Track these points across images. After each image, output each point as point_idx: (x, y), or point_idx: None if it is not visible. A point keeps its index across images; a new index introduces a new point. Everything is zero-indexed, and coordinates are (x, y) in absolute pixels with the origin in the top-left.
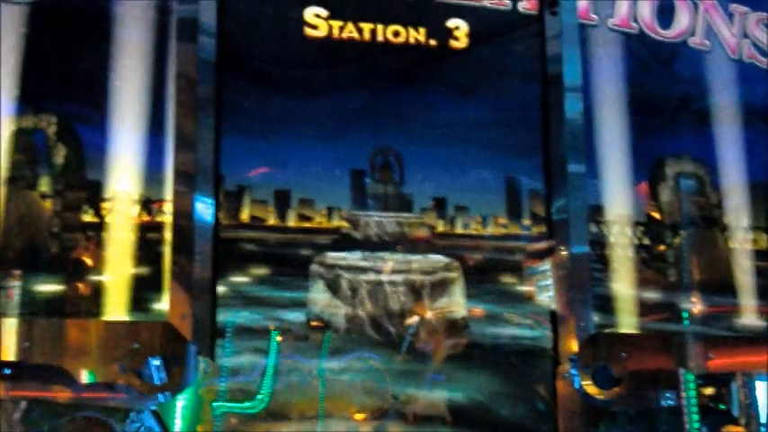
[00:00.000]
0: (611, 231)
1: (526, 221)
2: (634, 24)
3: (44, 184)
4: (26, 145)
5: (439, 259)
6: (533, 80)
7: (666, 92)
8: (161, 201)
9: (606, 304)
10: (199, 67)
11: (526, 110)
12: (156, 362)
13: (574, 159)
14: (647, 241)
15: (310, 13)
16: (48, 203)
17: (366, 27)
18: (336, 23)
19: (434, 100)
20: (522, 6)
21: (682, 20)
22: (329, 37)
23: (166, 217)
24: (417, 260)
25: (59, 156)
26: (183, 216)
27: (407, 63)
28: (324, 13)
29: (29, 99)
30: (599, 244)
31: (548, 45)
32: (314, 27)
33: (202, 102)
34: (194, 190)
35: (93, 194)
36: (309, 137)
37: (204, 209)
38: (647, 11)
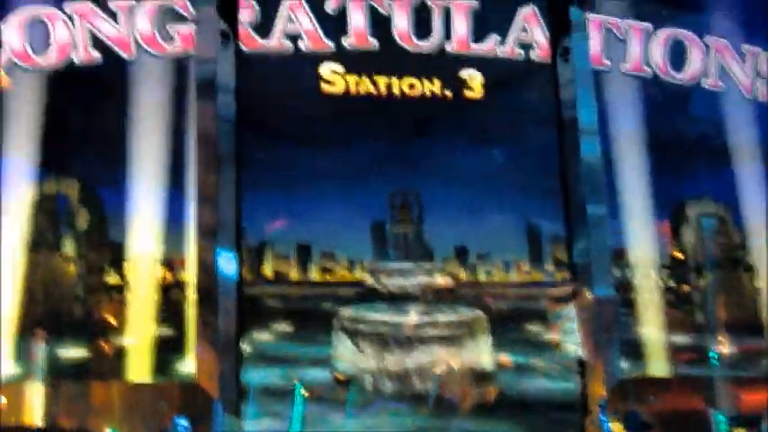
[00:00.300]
0: (636, 274)
1: (549, 267)
2: (647, 68)
3: (67, 248)
4: (49, 210)
5: (463, 309)
6: (549, 125)
7: (683, 133)
8: (182, 258)
9: (633, 348)
10: (218, 124)
11: (543, 154)
12: (183, 422)
13: (593, 201)
14: (672, 283)
15: (327, 69)
16: (71, 267)
17: (381, 81)
18: (352, 78)
19: (451, 149)
20: (534, 55)
21: (694, 62)
22: (346, 91)
23: (188, 275)
24: (441, 311)
25: (82, 219)
26: (207, 272)
27: (424, 114)
28: (340, 68)
29: (51, 164)
30: (624, 287)
31: (562, 91)
32: (330, 83)
33: (222, 158)
34: (217, 245)
35: (116, 256)
36: (329, 189)
37: (227, 264)
38: (659, 54)
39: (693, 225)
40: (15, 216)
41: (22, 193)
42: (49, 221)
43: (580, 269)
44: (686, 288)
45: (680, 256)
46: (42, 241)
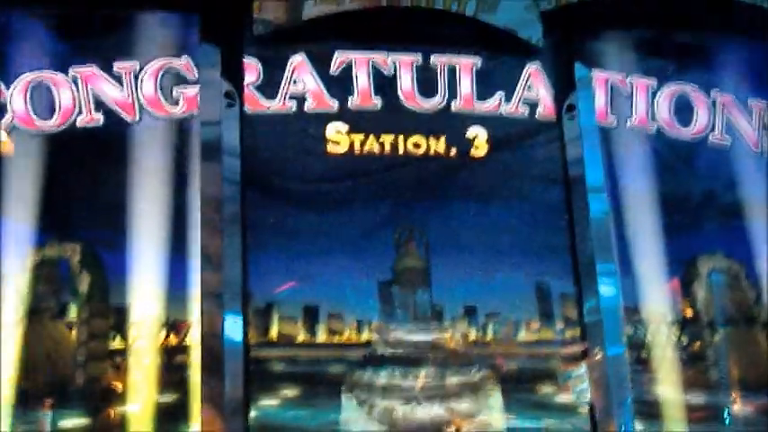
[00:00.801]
0: (647, 332)
1: (559, 325)
2: (653, 123)
3: (69, 314)
4: (50, 275)
5: (473, 371)
6: (556, 183)
7: (692, 188)
8: (186, 322)
9: (646, 407)
10: (223, 186)
11: (551, 212)
12: None
13: (603, 259)
14: (684, 341)
15: (332, 129)
16: (73, 333)
17: (387, 139)
18: (357, 137)
19: (458, 208)
20: (539, 113)
21: (701, 117)
22: (351, 151)
23: (193, 339)
24: (451, 373)
25: (84, 284)
26: (212, 336)
27: (429, 173)
28: (344, 128)
29: (52, 228)
30: (636, 345)
31: (568, 148)
32: (335, 143)
33: (227, 220)
34: (222, 309)
35: (119, 321)
36: (335, 250)
37: (233, 328)
38: (665, 110)
39: (705, 281)
40: (15, 281)
41: (23, 258)
42: (50, 287)
43: (591, 328)
44: (699, 345)
45: (692, 313)
46: (43, 307)
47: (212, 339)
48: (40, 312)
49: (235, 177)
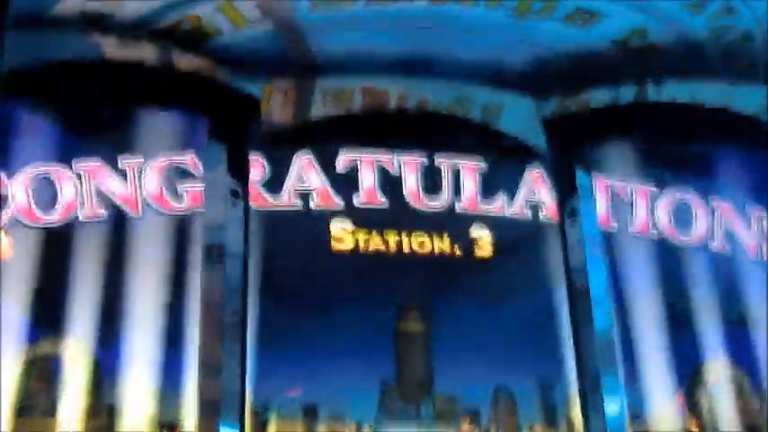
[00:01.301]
0: None
1: (563, 429)
2: (654, 230)
3: (61, 412)
4: (42, 372)
5: None
6: (560, 285)
7: (695, 296)
8: (180, 422)
9: None
10: (224, 291)
11: (555, 314)
12: None
13: (606, 372)
14: None
15: (336, 227)
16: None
17: (391, 237)
18: (362, 235)
19: (462, 307)
20: (542, 215)
21: (700, 224)
22: (355, 248)
23: None
24: None
25: (76, 382)
26: None
27: (434, 272)
28: (349, 226)
29: (46, 323)
30: None
31: (570, 254)
32: (340, 240)
33: (228, 328)
34: (219, 419)
35: (111, 420)
36: (337, 349)
37: None
38: (664, 217)
39: (709, 391)
40: (6, 378)
41: (14, 354)
42: (42, 384)
43: None
44: None
45: (697, 424)
46: (35, 404)
47: None
48: (30, 409)
49: (237, 283)
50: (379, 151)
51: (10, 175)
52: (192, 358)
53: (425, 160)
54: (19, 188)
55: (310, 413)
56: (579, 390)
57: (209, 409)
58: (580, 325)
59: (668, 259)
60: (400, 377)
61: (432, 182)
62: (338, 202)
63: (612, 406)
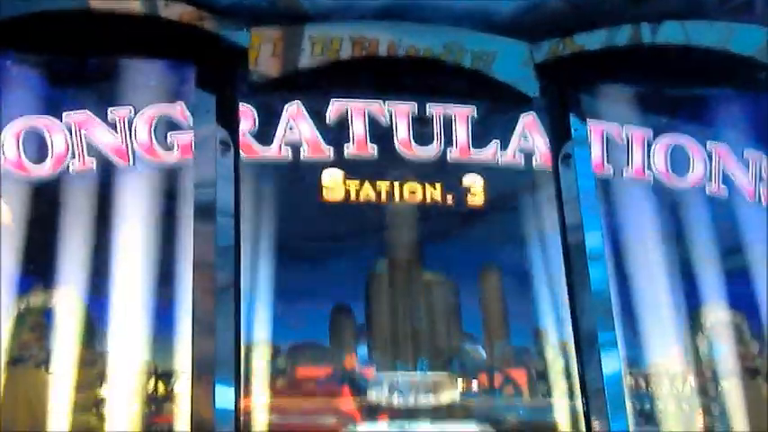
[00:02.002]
0: (654, 386)
1: None
2: (649, 174)
3: (53, 362)
4: (35, 323)
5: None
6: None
7: (691, 239)
8: (176, 372)
9: None
10: (216, 251)
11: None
12: None
13: (604, 328)
14: (688, 394)
15: (327, 176)
16: (58, 382)
17: (383, 186)
18: (353, 184)
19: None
20: (536, 162)
21: (697, 168)
22: (347, 199)
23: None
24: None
25: (69, 332)
26: (202, 412)
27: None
28: (340, 175)
29: (37, 274)
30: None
31: (566, 210)
32: (331, 191)
33: (221, 287)
34: (214, 375)
35: (104, 368)
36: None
37: (225, 398)
38: (661, 161)
39: (708, 334)
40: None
41: (7, 305)
42: (34, 335)
43: (593, 401)
44: (703, 399)
45: (695, 366)
46: (28, 356)
47: (202, 414)
48: (24, 361)
49: (229, 241)
50: (370, 100)
51: None
52: (185, 311)
53: (416, 108)
54: (9, 141)
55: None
56: (575, 345)
57: (204, 368)
58: (575, 279)
59: (665, 204)
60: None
61: (423, 130)
62: (328, 153)
63: (610, 362)
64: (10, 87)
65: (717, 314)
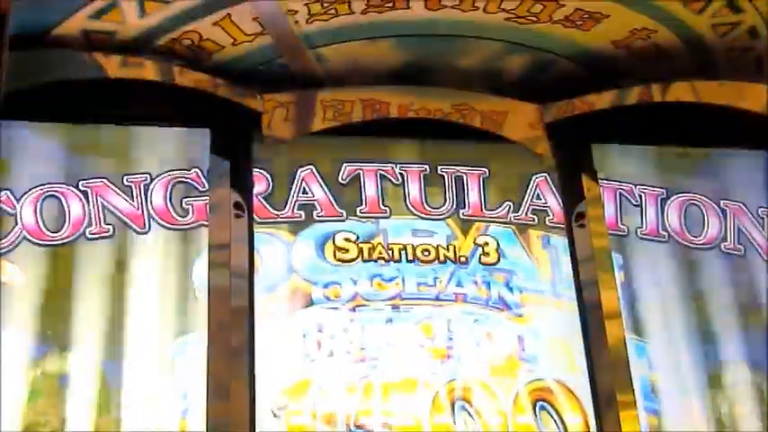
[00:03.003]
0: None
1: None
2: (664, 233)
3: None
4: (51, 389)
5: None
6: None
7: (708, 297)
8: None
9: None
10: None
11: None
12: None
13: (622, 390)
14: None
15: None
16: None
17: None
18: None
19: None
20: (548, 222)
21: (712, 226)
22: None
23: None
24: None
25: (85, 398)
26: None
27: None
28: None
29: (53, 340)
30: None
31: (580, 268)
32: (344, 250)
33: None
34: None
35: None
36: None
37: None
38: (675, 219)
39: (729, 394)
40: (15, 396)
41: (23, 371)
42: (50, 400)
43: None
44: None
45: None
46: (43, 422)
47: None
48: (39, 427)
49: (243, 303)
50: (381, 161)
51: (16, 196)
52: (200, 372)
53: (428, 169)
54: (27, 208)
55: None
56: (593, 405)
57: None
58: (592, 338)
59: (680, 262)
60: None
61: (435, 190)
62: (341, 213)
63: (629, 422)
64: (25, 156)
65: (737, 373)
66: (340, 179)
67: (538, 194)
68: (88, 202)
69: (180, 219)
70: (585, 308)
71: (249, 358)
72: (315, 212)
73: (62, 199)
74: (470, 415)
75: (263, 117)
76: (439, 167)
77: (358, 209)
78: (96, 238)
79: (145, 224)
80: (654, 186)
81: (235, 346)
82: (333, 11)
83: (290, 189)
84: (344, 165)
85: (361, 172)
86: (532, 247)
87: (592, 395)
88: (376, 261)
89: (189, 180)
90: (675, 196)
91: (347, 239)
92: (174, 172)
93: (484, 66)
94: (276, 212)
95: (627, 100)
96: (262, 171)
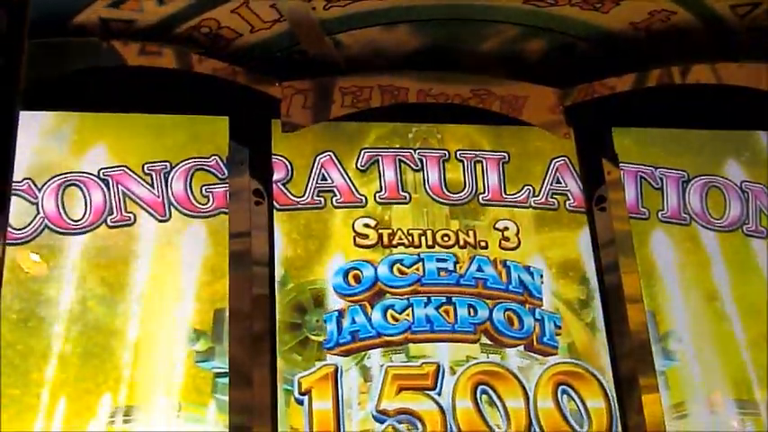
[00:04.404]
0: None
1: None
2: (685, 216)
3: None
4: None
5: None
6: None
7: (728, 281)
8: None
9: None
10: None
11: None
12: None
13: (644, 374)
14: None
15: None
16: None
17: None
18: (385, 232)
19: None
20: (569, 205)
21: (734, 208)
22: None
23: None
24: None
25: None
26: None
27: None
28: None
29: None
30: None
31: (602, 252)
32: (364, 236)
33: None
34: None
35: None
36: None
37: None
38: (696, 202)
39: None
40: None
41: None
42: None
43: None
44: None
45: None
46: None
47: None
48: None
49: (264, 290)
50: (400, 147)
51: (37, 185)
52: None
53: (447, 154)
54: (48, 197)
55: None
56: (615, 389)
57: (241, 419)
58: (615, 330)
59: (702, 245)
60: None
61: (454, 175)
62: (360, 199)
63: (651, 406)
64: (45, 145)
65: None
66: (359, 165)
67: (558, 179)
68: (109, 190)
69: (200, 206)
70: (607, 292)
71: (271, 346)
72: (334, 199)
73: (83, 187)
74: (492, 398)
75: (281, 104)
76: (458, 152)
77: (377, 194)
78: (117, 226)
79: (165, 212)
80: (675, 169)
81: (256, 334)
82: None
83: (310, 175)
84: (363, 151)
85: (379, 158)
86: None
87: (614, 379)
88: (395, 247)
89: (209, 168)
90: (696, 178)
91: (366, 225)
92: (194, 159)
93: (502, 50)
94: (296, 199)
95: (647, 83)
96: (281, 158)
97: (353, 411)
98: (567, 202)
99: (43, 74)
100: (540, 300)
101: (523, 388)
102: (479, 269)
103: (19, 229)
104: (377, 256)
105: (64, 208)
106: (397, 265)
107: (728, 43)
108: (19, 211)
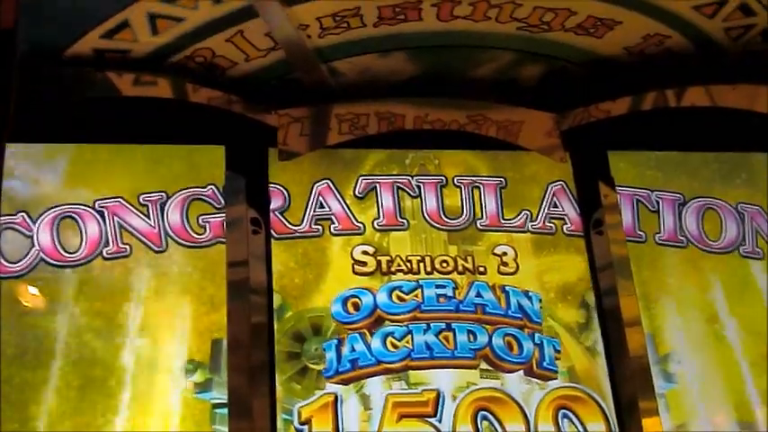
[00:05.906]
0: None
1: None
2: (682, 238)
3: None
4: None
5: None
6: None
7: (726, 302)
8: None
9: None
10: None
11: None
12: None
13: (645, 397)
14: None
15: (358, 252)
16: None
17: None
18: (384, 259)
19: None
20: (566, 229)
21: (730, 230)
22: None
23: None
24: None
25: None
26: None
27: None
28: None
29: None
30: None
31: (599, 276)
32: (362, 263)
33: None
34: None
35: None
36: None
37: None
38: (693, 224)
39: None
40: None
41: None
42: None
43: None
44: None
45: None
46: None
47: None
48: None
49: (262, 319)
50: (398, 174)
51: (32, 218)
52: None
53: (444, 180)
54: (42, 229)
55: None
56: (615, 413)
57: None
58: (613, 346)
59: (699, 267)
60: None
61: (451, 201)
62: (359, 226)
63: (652, 427)
64: (40, 176)
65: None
66: (356, 192)
67: (555, 203)
68: (104, 221)
69: (197, 236)
70: (606, 315)
71: (270, 375)
72: (332, 226)
73: (78, 219)
74: (492, 424)
75: (278, 132)
76: (455, 178)
77: (375, 221)
78: (113, 258)
79: (162, 242)
80: (671, 192)
81: (255, 364)
82: (345, 24)
83: (307, 204)
84: (361, 178)
85: (377, 185)
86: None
87: (614, 403)
88: (394, 273)
89: (205, 197)
90: (693, 201)
91: (365, 252)
92: (190, 189)
93: (498, 75)
94: (293, 227)
95: (642, 106)
96: (278, 186)
97: None
98: (565, 227)
99: (38, 105)
100: (540, 324)
101: (524, 413)
102: (478, 295)
103: (14, 263)
104: (376, 284)
105: (59, 240)
106: (396, 291)
107: (722, 66)
108: (14, 244)
